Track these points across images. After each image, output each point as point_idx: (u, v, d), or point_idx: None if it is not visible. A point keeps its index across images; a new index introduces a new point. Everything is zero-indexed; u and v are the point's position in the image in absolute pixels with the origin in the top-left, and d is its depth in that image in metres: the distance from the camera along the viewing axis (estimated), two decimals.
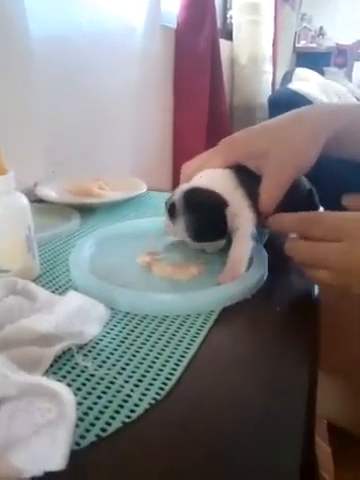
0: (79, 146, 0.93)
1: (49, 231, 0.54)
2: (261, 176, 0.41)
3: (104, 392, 0.28)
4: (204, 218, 0.40)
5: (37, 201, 0.63)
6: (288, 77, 2.21)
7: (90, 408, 0.27)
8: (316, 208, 0.48)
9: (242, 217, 0.41)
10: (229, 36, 2.17)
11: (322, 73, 2.88)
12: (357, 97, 2.42)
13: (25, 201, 0.40)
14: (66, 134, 0.87)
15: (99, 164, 1.02)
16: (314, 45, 3.71)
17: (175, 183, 0.48)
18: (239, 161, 0.44)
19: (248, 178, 0.43)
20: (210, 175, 0.42)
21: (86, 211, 0.61)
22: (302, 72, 2.24)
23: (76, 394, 0.27)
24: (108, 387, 0.28)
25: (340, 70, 3.23)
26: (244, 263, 0.40)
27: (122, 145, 1.19)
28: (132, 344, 0.33)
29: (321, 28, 3.74)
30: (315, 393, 0.33)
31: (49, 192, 0.64)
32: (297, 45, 3.63)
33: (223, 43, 1.95)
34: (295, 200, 0.43)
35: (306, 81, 2.08)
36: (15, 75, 0.70)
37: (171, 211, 0.41)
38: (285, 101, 1.76)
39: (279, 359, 0.33)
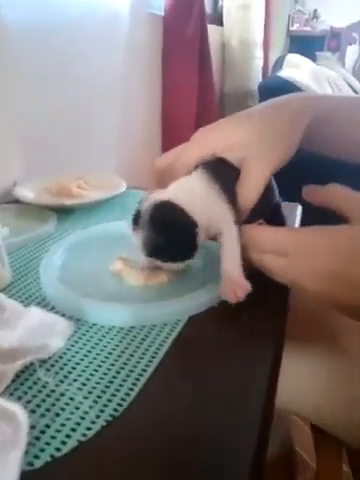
0: (62, 141, 0.92)
1: (25, 234, 0.53)
2: (239, 168, 0.40)
3: (62, 409, 0.28)
4: (167, 239, 0.38)
5: (15, 202, 0.63)
6: (279, 63, 2.18)
7: (47, 426, 0.27)
8: (280, 221, 0.48)
9: (225, 220, 0.38)
10: (220, 21, 2.13)
11: (315, 58, 2.84)
12: (349, 83, 2.40)
13: None
14: (47, 129, 0.86)
15: (84, 159, 1.01)
16: (308, 28, 3.65)
17: None
18: (216, 153, 0.41)
19: (226, 174, 0.40)
20: (186, 186, 0.40)
21: (64, 212, 0.61)
22: (293, 58, 2.21)
23: (34, 411, 0.28)
24: (67, 403, 0.29)
25: (333, 55, 3.19)
26: (239, 271, 0.37)
27: (108, 138, 1.18)
28: (95, 358, 0.33)
29: (315, 11, 3.67)
30: (273, 400, 0.34)
31: (27, 192, 0.64)
32: (291, 28, 3.58)
33: (214, 29, 1.92)
34: (262, 211, 0.43)
35: (297, 68, 2.05)
36: None
37: (135, 220, 0.40)
38: (275, 89, 1.75)
39: (241, 371, 0.33)
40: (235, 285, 0.37)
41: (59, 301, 0.38)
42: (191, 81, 1.53)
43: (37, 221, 0.58)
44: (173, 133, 1.51)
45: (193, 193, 0.39)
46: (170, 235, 0.37)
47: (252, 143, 0.40)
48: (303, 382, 0.54)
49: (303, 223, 0.65)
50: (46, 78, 0.85)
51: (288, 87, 1.72)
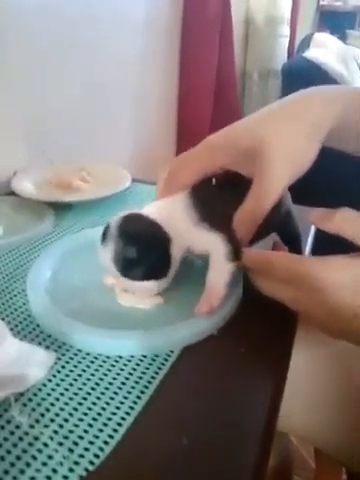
0: (67, 128, 0.86)
1: (20, 232, 0.51)
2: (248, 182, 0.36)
3: (34, 457, 0.26)
4: (136, 251, 0.35)
5: (13, 194, 0.60)
6: (306, 43, 2.06)
7: (15, 478, 0.25)
8: (293, 232, 0.44)
9: (211, 240, 0.36)
10: None
11: (345, 36, 2.70)
12: None
13: None
14: (55, 114, 0.81)
15: (94, 145, 0.97)
16: (339, 3, 3.47)
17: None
18: (224, 167, 0.38)
19: (223, 196, 0.38)
20: (166, 207, 0.38)
21: (62, 207, 0.57)
22: (321, 37, 2.09)
23: (4, 458, 0.26)
24: (40, 450, 0.26)
25: None
26: (220, 291, 0.36)
27: (121, 122, 1.12)
28: (76, 393, 0.30)
29: None
30: (270, 444, 0.31)
31: (25, 184, 0.61)
32: (321, 3, 3.39)
33: (238, 3, 1.82)
34: (271, 225, 0.39)
35: (324, 47, 1.94)
36: None
37: (104, 235, 0.36)
38: (299, 71, 1.66)
39: (237, 413, 0.30)
40: (211, 297, 0.36)
41: (43, 320, 0.36)
42: (210, 61, 1.46)
43: (34, 217, 0.54)
44: (189, 114, 1.45)
45: (172, 217, 0.37)
46: (139, 246, 0.35)
47: (265, 153, 0.35)
48: (306, 407, 0.51)
49: (318, 230, 0.60)
50: (53, 58, 0.80)
51: (313, 69, 1.63)
